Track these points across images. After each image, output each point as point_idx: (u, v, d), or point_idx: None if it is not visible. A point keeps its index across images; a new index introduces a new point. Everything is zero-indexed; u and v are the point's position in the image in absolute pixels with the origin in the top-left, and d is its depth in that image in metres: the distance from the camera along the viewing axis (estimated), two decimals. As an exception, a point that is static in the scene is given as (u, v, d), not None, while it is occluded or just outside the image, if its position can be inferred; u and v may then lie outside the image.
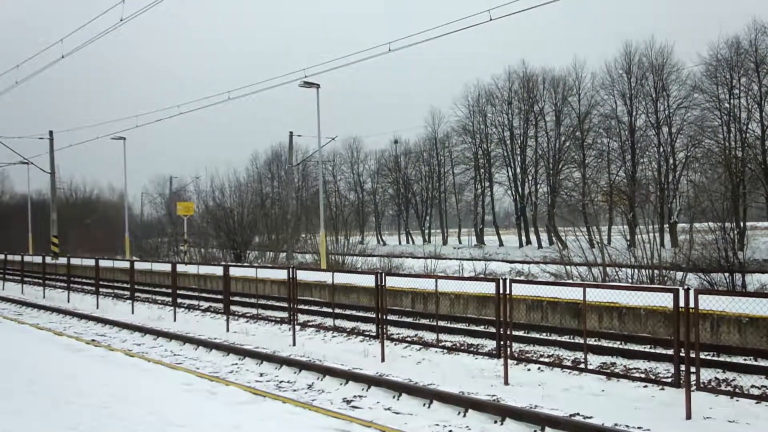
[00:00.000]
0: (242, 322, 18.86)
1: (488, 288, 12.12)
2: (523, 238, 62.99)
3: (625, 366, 12.11)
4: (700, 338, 9.25)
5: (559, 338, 14.91)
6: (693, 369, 8.90)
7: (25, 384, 10.91)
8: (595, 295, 14.76)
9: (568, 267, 23.82)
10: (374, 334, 14.06)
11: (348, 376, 11.38)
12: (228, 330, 17.70)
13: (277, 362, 12.95)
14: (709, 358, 11.96)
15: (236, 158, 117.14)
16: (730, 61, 47.06)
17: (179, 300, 22.15)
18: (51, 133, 50.72)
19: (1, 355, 13.92)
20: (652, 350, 13.21)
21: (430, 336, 15.15)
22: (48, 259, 38.55)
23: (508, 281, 11.22)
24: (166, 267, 27.56)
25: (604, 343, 14.07)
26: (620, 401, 9.89)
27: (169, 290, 23.11)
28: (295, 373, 12.26)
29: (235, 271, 23.26)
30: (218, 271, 22.32)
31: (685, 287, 9.52)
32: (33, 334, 17.94)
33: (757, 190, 45.40)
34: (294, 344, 15.28)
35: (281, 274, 21.27)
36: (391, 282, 15.92)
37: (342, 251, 42.76)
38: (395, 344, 14.73)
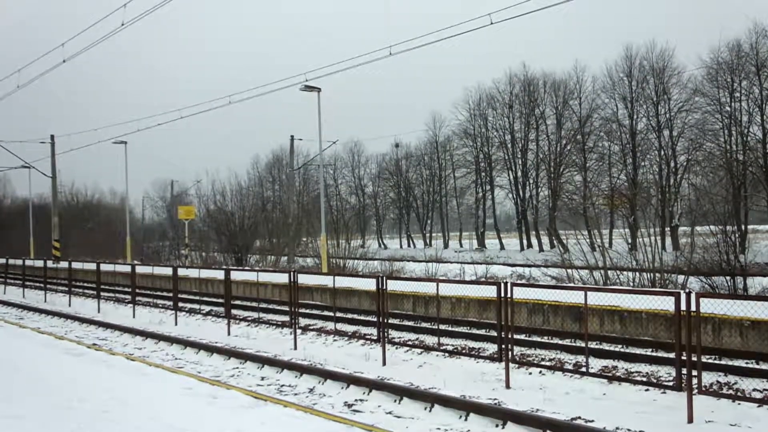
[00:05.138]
0: (243, 325, 18.86)
1: (489, 291, 12.13)
2: (525, 242, 62.94)
3: (626, 369, 12.09)
4: (702, 342, 9.23)
5: (560, 342, 14.89)
6: (695, 372, 8.88)
7: (25, 388, 10.91)
8: (597, 299, 14.69)
9: (569, 270, 23.79)
10: (375, 337, 14.05)
11: (349, 380, 11.36)
12: (229, 334, 17.69)
13: (278, 366, 12.94)
14: (710, 361, 11.94)
15: (237, 162, 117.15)
16: (730, 64, 47.05)
17: (180, 304, 22.15)
18: (52, 137, 50.80)
19: (2, 359, 13.92)
20: (654, 354, 13.19)
21: (431, 340, 15.13)
22: (49, 263, 38.58)
23: (509, 285, 11.21)
24: (168, 271, 27.56)
25: (606, 346, 14.05)
26: (622, 405, 9.88)
27: (171, 294, 23.10)
28: (296, 377, 12.25)
29: (237, 275, 23.26)
30: (219, 274, 22.34)
31: (687, 290, 9.50)
32: (34, 338, 17.94)
33: (758, 193, 45.37)
34: (295, 348, 15.26)
35: (282, 278, 21.26)
36: (393, 285, 15.93)
37: (343, 255, 42.68)
38: (396, 348, 14.73)
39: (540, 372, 11.92)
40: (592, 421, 8.88)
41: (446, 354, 13.60)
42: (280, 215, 58.59)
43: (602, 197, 50.69)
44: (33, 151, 54.73)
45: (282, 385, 11.74)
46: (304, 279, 19.72)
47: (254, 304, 21.65)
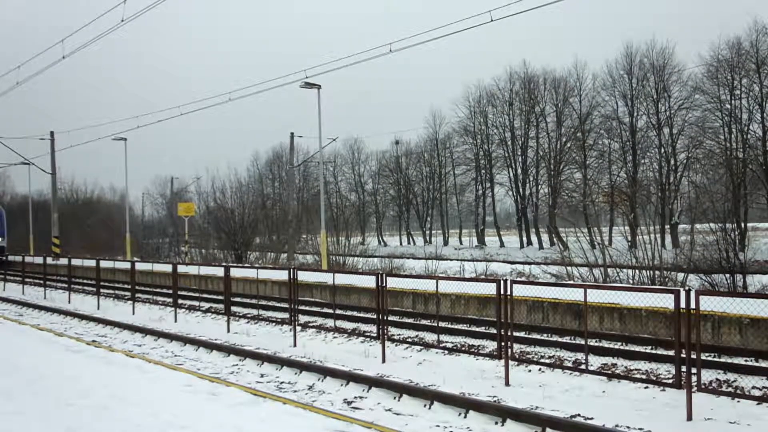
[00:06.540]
0: (243, 323, 18.86)
1: (489, 289, 12.11)
2: (524, 239, 62.97)
3: (626, 367, 12.10)
4: (701, 339, 9.23)
5: (560, 339, 14.90)
6: (694, 370, 8.88)
7: (25, 385, 10.93)
8: (596, 296, 14.75)
9: (569, 268, 23.80)
10: (375, 335, 14.05)
11: (349, 377, 11.37)
12: (229, 331, 17.70)
13: (277, 363, 12.94)
14: (710, 359, 11.93)
15: (237, 159, 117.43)
16: (731, 62, 47.05)
17: (180, 301, 22.14)
18: (52, 133, 50.78)
19: (2, 356, 13.93)
20: (653, 351, 13.19)
21: (430, 337, 15.14)
22: (49, 260, 38.59)
23: (509, 282, 11.21)
24: (167, 268, 27.56)
25: (605, 344, 14.05)
26: (621, 402, 9.88)
27: (170, 291, 23.10)
28: (295, 374, 12.25)
29: (236, 272, 23.25)
30: (219, 271, 22.33)
31: (686, 288, 9.50)
32: (34, 335, 17.95)
33: (758, 191, 45.42)
34: (295, 345, 15.27)
35: (282, 275, 21.27)
36: (392, 283, 15.91)
37: (343, 252, 42.79)
38: (396, 345, 14.72)
39: (539, 369, 11.92)
40: (592, 418, 8.88)
41: (446, 351, 13.59)
42: (280, 212, 58.64)
43: (602, 195, 50.76)
44: (33, 148, 55.04)
45: (281, 382, 11.74)
46: (303, 276, 19.74)
47: (254, 301, 21.65)
